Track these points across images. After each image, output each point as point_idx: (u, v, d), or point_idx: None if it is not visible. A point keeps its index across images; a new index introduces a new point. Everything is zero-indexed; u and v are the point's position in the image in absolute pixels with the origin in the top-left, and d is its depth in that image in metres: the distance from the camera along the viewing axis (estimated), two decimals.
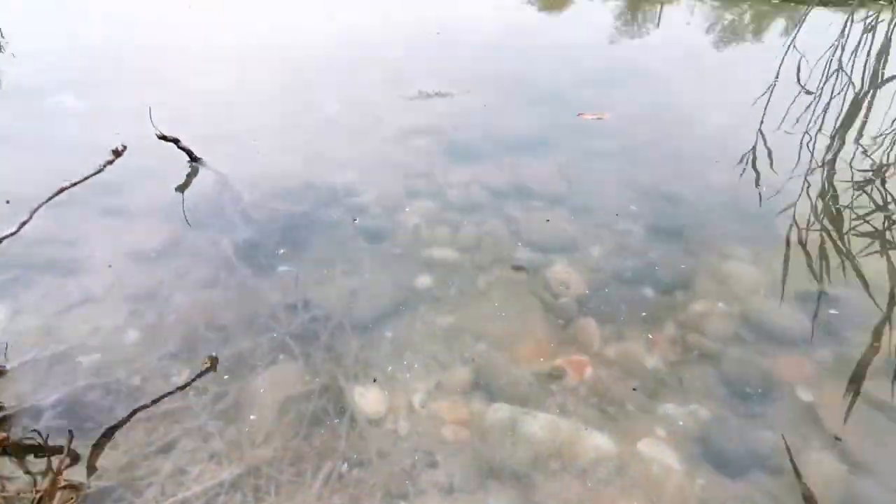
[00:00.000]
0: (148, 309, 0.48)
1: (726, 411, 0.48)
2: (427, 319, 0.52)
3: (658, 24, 1.20)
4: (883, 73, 1.00)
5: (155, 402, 0.45)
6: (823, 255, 0.59)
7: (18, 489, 0.43)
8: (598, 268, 0.57)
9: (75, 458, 0.44)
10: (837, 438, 0.47)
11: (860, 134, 0.77)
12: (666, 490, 0.44)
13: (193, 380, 0.46)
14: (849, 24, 1.24)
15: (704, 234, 0.61)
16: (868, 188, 0.67)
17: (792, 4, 1.50)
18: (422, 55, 0.98)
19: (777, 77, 0.94)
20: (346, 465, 0.45)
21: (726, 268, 0.57)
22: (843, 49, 1.06)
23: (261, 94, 0.83)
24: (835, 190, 0.66)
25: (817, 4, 1.45)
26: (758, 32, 1.25)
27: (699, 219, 0.62)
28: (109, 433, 0.45)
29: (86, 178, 0.48)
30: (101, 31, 1.03)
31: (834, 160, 0.71)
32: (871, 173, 0.69)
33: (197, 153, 0.65)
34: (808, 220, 0.62)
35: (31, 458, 0.46)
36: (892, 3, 1.56)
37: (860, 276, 0.57)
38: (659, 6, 1.34)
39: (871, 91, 0.89)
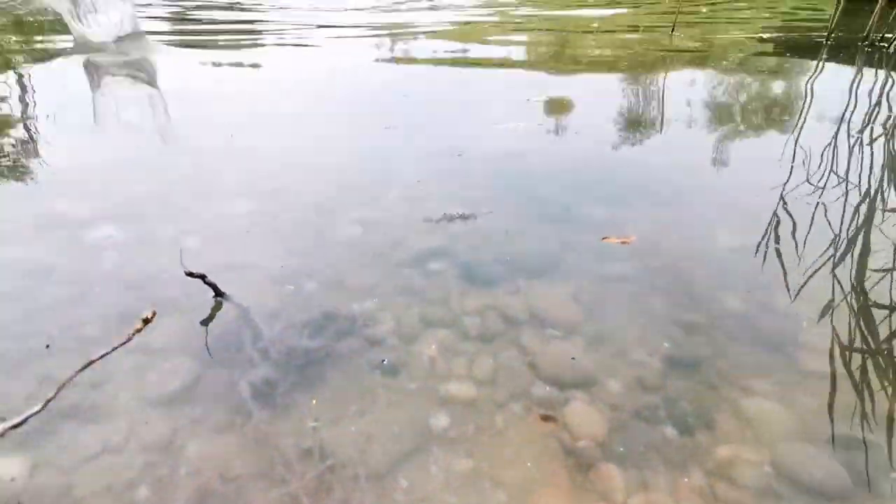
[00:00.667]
0: (162, 460, 0.49)
1: None
2: (444, 465, 0.51)
3: (661, 129, 1.25)
4: None
5: None
6: (858, 388, 0.57)
7: None
8: (617, 405, 0.56)
9: None
10: None
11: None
12: None
13: None
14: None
15: (724, 365, 0.59)
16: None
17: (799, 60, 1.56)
18: (442, 174, 1.03)
19: (785, 190, 0.96)
20: None
21: (749, 406, 0.55)
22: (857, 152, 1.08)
23: (286, 217, 0.88)
24: (865, 318, 0.65)
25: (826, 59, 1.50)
26: (765, 123, 1.29)
27: (717, 349, 0.61)
28: None
29: (114, 349, 0.50)
30: (143, 154, 1.11)
31: (861, 285, 0.71)
32: None
33: (222, 282, 0.68)
34: (834, 351, 0.60)
35: None
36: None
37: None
38: (660, 106, 1.40)
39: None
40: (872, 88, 1.60)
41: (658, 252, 0.77)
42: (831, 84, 1.69)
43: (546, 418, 0.56)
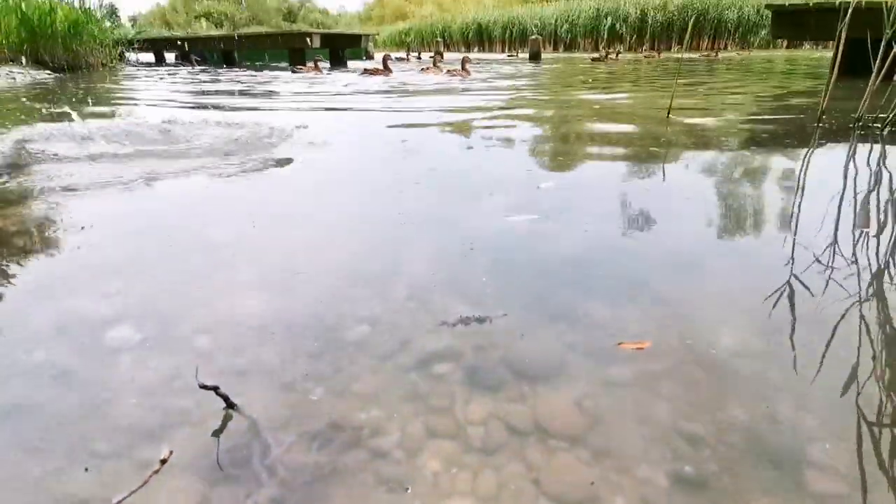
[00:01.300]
0: None
1: None
2: None
3: (662, 224, 1.28)
4: None
5: None
6: None
7: None
8: None
9: None
10: None
11: None
12: None
13: None
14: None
15: (730, 485, 0.59)
16: None
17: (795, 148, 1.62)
18: (453, 268, 1.06)
19: (786, 290, 0.98)
20: None
21: None
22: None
23: (296, 315, 0.90)
24: (878, 435, 0.65)
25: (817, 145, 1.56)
26: (763, 218, 1.32)
27: (722, 464, 0.61)
28: None
29: (132, 493, 0.52)
30: (165, 250, 1.15)
31: (873, 398, 0.71)
32: None
33: (233, 387, 0.69)
34: (846, 472, 0.60)
35: None
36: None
37: None
38: (660, 200, 1.44)
39: None
40: (870, 176, 1.65)
41: (661, 355, 0.78)
42: (826, 172, 1.75)
43: None
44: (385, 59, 7.42)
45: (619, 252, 1.12)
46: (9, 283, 1.01)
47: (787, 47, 18.35)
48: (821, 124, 2.50)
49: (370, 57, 13.14)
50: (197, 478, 0.58)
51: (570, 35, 23.93)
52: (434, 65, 7.61)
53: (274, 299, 0.94)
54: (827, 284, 0.96)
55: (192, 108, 3.82)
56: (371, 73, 6.83)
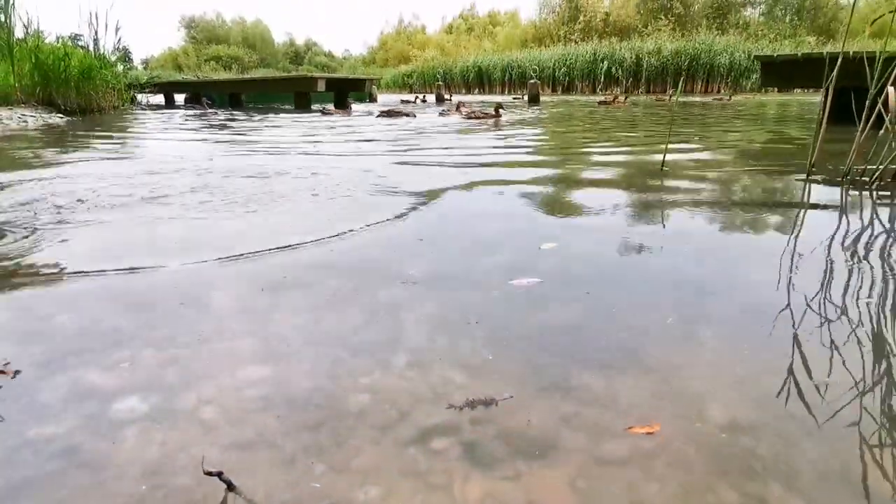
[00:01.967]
0: None
1: None
2: None
3: (654, 289, 1.31)
4: None
5: None
6: None
7: None
8: None
9: None
10: None
11: None
12: None
13: None
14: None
15: None
16: None
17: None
18: (454, 337, 1.08)
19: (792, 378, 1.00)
20: None
21: None
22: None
23: (298, 386, 0.92)
24: None
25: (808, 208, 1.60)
26: (757, 282, 1.35)
27: None
28: None
29: None
30: (166, 307, 1.18)
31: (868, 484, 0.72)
32: None
33: (235, 464, 0.71)
34: None
35: None
36: None
37: None
38: (654, 261, 1.48)
39: None
40: (859, 237, 1.70)
41: (653, 431, 0.80)
42: (819, 231, 1.79)
43: None
44: (404, 105, 7.92)
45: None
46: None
47: (780, 91, 18.84)
48: (810, 178, 2.56)
49: (373, 100, 13.50)
50: None
51: (567, 78, 24.63)
52: (457, 109, 7.90)
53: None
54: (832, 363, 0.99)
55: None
56: (388, 115, 7.39)
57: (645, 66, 22.63)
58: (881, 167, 2.35)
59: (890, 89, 2.43)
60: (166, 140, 5.00)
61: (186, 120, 7.89)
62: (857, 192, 2.29)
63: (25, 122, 6.62)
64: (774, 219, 1.92)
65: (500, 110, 6.62)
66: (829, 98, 2.73)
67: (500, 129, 5.64)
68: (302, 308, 1.21)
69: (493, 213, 2.07)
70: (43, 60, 7.98)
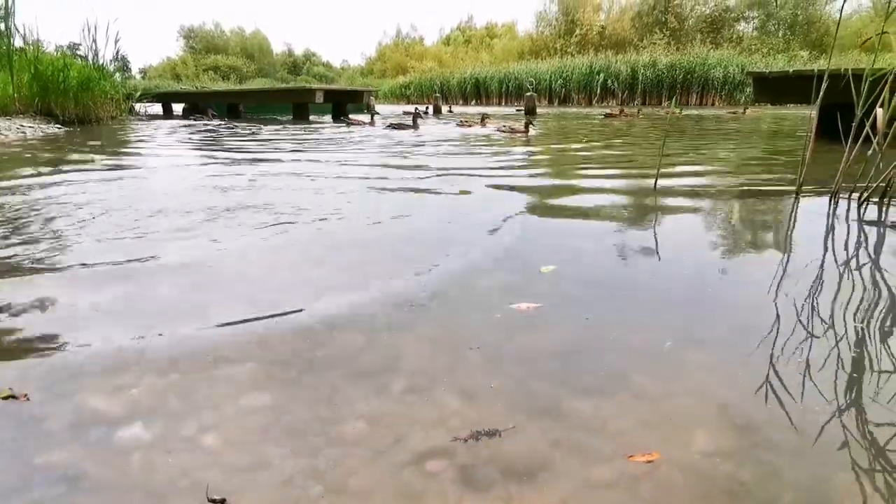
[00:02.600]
0: None
1: None
2: None
3: (646, 310, 1.34)
4: None
5: None
6: None
7: None
8: None
9: None
10: None
11: None
12: None
13: None
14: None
15: None
16: None
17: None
18: (456, 361, 1.10)
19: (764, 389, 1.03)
20: None
21: None
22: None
23: (296, 411, 0.95)
24: None
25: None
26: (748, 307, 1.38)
27: None
28: None
29: None
30: (171, 348, 1.20)
31: None
32: None
33: (236, 486, 0.73)
34: None
35: None
36: None
37: None
38: (647, 284, 1.51)
39: None
40: (845, 258, 1.74)
41: (641, 452, 0.82)
42: (805, 252, 1.83)
43: None
44: (415, 117, 7.93)
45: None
46: None
47: (774, 104, 19.06)
48: (799, 196, 2.61)
49: (372, 111, 13.59)
50: None
51: (564, 90, 24.84)
52: (481, 122, 8.02)
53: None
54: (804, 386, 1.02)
55: None
56: (397, 128, 7.49)
57: (640, 78, 22.87)
58: (869, 185, 2.40)
59: (878, 111, 2.48)
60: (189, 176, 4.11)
61: (195, 134, 7.91)
62: (845, 211, 2.34)
63: (24, 132, 6.64)
64: (765, 238, 1.97)
65: (531, 126, 6.32)
66: (818, 115, 2.79)
67: (545, 144, 5.66)
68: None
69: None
70: (42, 71, 8.02)
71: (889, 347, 1.14)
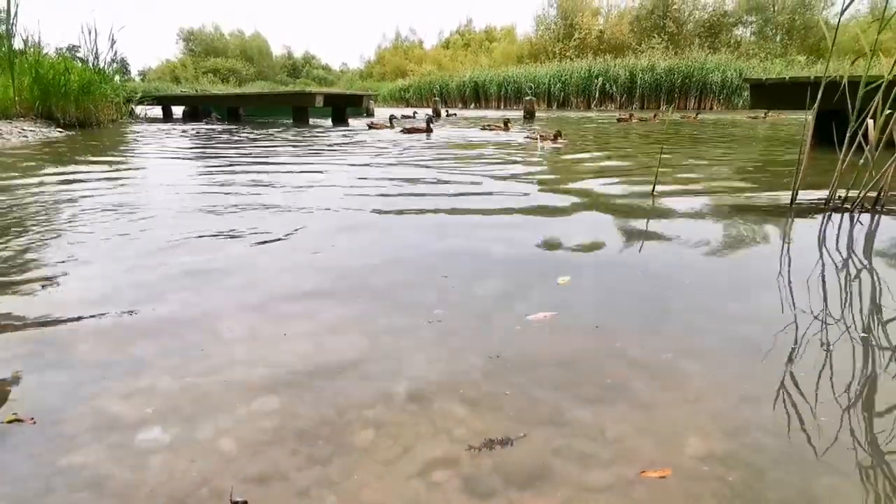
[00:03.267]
0: None
1: None
2: None
3: (649, 322, 1.38)
4: None
5: None
6: None
7: None
8: None
9: None
10: None
11: None
12: None
13: None
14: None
15: None
16: None
17: None
18: (472, 374, 1.14)
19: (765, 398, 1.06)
20: None
21: None
22: None
23: (307, 417, 0.98)
24: None
25: None
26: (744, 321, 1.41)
27: None
28: None
29: None
30: (178, 337, 1.23)
31: None
32: None
33: (253, 493, 0.77)
34: None
35: None
36: None
37: None
38: (647, 299, 1.54)
39: None
40: (837, 266, 1.78)
41: (635, 461, 0.86)
42: (800, 259, 1.87)
43: None
44: (429, 121, 7.97)
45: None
46: None
47: (771, 110, 19.15)
48: (794, 205, 2.66)
49: (371, 115, 13.65)
50: None
51: (562, 93, 24.93)
52: (504, 126, 8.05)
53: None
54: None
55: None
56: (411, 132, 7.56)
57: (639, 82, 22.98)
58: (862, 193, 2.45)
59: (870, 122, 2.53)
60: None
61: (209, 141, 7.93)
62: (838, 219, 2.38)
63: (25, 136, 6.67)
64: (759, 252, 2.01)
65: (560, 136, 5.96)
66: (814, 122, 2.84)
67: (583, 153, 5.35)
68: None
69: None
70: (43, 75, 8.06)
71: (882, 354, 1.18)
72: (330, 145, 6.18)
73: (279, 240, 2.05)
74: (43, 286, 1.56)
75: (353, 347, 1.21)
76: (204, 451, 0.87)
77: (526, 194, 3.00)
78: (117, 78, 10.81)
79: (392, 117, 9.44)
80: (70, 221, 2.32)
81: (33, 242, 2.00)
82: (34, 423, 0.94)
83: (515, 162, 4.50)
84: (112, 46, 10.06)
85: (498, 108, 25.69)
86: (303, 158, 4.84)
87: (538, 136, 6.27)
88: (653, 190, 2.97)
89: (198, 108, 12.82)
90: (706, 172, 3.95)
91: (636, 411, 0.98)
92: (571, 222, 2.38)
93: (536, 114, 14.20)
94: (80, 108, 8.54)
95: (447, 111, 15.84)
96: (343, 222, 2.34)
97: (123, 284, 1.58)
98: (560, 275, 1.64)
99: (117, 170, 4.03)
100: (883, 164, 2.41)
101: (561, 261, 1.81)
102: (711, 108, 21.14)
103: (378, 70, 41.94)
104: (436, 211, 2.58)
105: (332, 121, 11.07)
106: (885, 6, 3.05)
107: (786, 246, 2.04)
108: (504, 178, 3.57)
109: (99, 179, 3.58)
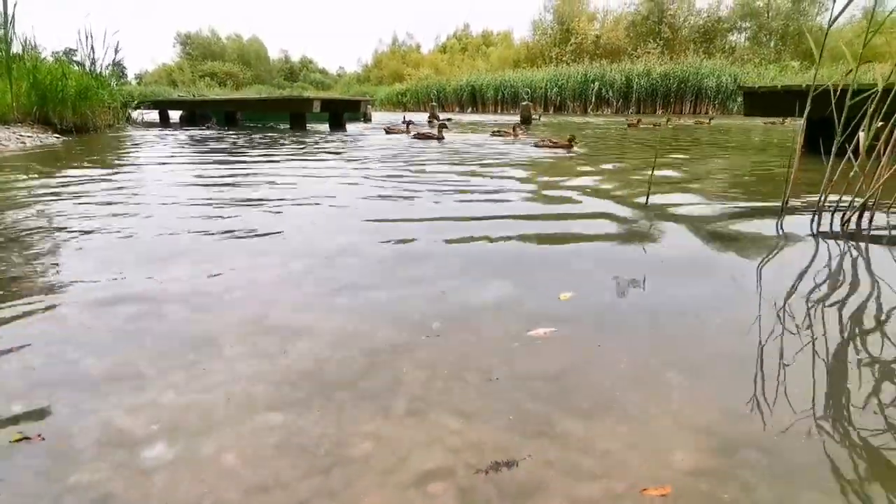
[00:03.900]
0: None
1: None
2: None
3: (645, 331, 1.41)
4: None
5: None
6: None
7: None
8: None
9: None
10: None
11: None
12: None
13: None
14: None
15: None
16: None
17: None
18: (475, 390, 1.16)
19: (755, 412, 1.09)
20: None
21: None
22: None
23: (308, 432, 1.01)
24: None
25: None
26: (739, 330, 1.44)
27: None
28: None
29: None
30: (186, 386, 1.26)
31: None
32: None
33: None
34: None
35: None
36: None
37: None
38: (644, 312, 1.57)
39: None
40: (825, 278, 1.81)
41: (625, 474, 0.89)
42: (789, 270, 1.91)
43: None
44: (440, 127, 7.98)
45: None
46: None
47: (765, 117, 19.28)
48: (784, 215, 2.70)
49: (368, 120, 13.68)
50: None
51: (559, 98, 25.04)
52: (513, 131, 8.08)
53: None
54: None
55: None
56: (423, 137, 7.59)
57: (635, 87, 23.13)
58: (852, 202, 2.49)
59: (861, 134, 2.57)
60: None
61: (209, 150, 7.94)
62: (828, 227, 2.42)
63: (23, 142, 6.67)
64: (757, 257, 2.05)
65: (574, 142, 5.70)
66: (805, 130, 2.89)
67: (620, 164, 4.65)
68: None
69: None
70: (41, 80, 8.06)
71: (870, 366, 1.22)
72: (338, 153, 6.18)
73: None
74: (40, 291, 1.58)
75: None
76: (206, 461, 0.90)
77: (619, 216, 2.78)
78: (114, 82, 10.81)
79: (410, 122, 9.70)
80: (67, 229, 2.34)
81: (31, 251, 2.02)
82: (42, 440, 0.96)
83: (566, 174, 4.09)
84: (116, 52, 10.09)
85: (495, 112, 25.79)
86: (313, 167, 4.85)
87: (551, 143, 5.84)
88: (646, 202, 2.99)
89: (195, 113, 12.83)
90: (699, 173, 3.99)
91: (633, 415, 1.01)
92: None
93: (535, 119, 14.25)
94: (77, 113, 8.54)
95: (444, 121, 15.87)
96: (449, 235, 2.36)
97: (120, 294, 1.61)
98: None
99: (115, 173, 4.04)
100: (872, 169, 2.44)
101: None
102: (706, 113, 21.26)
103: (375, 74, 42.02)
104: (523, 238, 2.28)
105: (330, 126, 11.09)
106: (873, 12, 3.08)
107: (776, 256, 2.08)
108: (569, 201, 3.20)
109: (99, 187, 3.59)
